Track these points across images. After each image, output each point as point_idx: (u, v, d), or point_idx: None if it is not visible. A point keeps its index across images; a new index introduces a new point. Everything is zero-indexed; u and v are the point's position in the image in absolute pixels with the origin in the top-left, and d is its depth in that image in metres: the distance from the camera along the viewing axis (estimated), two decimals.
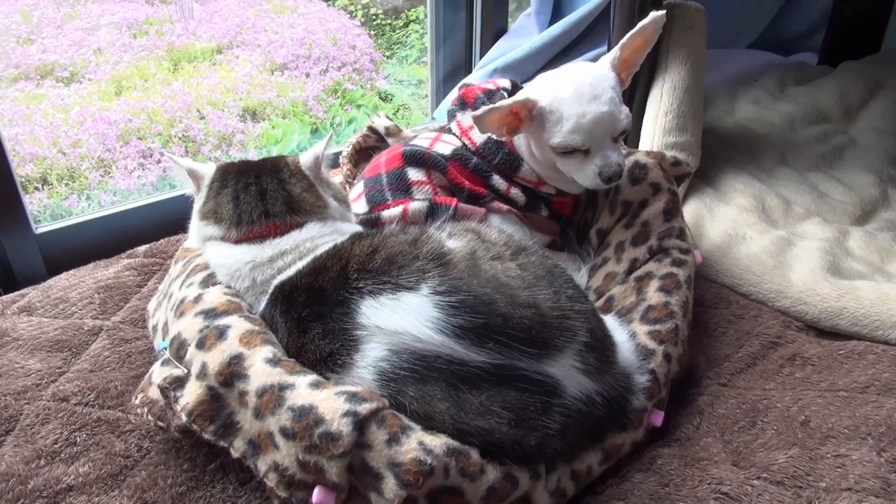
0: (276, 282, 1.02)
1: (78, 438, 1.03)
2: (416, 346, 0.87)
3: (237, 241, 1.05)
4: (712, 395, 1.15)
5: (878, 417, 1.04)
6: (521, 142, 1.28)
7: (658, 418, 1.04)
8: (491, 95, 1.34)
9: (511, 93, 1.36)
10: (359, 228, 1.13)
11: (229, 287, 1.06)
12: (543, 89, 1.20)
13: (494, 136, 1.25)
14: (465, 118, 1.33)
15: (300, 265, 1.01)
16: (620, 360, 1.00)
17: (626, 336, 1.07)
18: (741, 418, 1.09)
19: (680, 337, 1.11)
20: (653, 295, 1.16)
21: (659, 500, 0.95)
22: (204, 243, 1.10)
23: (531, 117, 1.19)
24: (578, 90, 1.16)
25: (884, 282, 1.38)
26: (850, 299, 1.30)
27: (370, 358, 0.89)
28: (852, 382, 1.13)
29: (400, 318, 0.88)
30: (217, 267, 1.08)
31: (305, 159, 1.11)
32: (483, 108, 1.15)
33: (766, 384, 1.16)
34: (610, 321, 1.07)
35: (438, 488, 0.84)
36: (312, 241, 1.05)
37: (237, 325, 0.94)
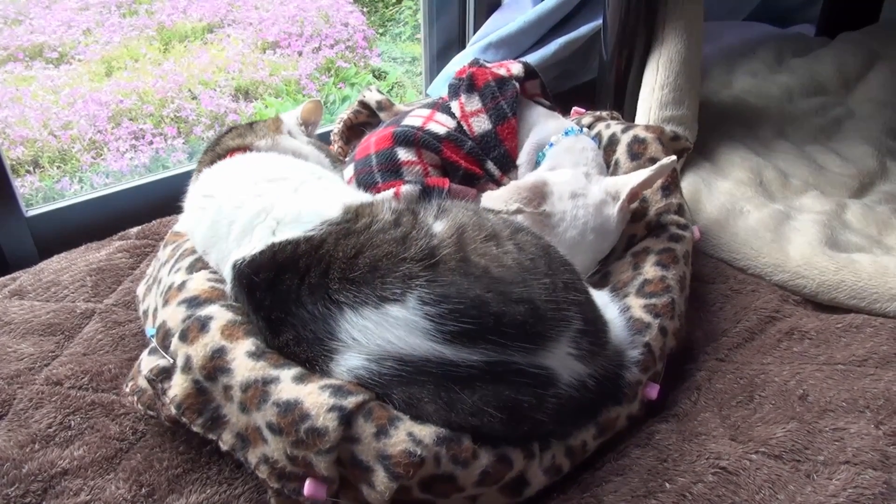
0: (233, 258, 0.98)
1: (72, 422, 1.02)
2: (402, 352, 0.84)
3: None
4: (710, 370, 1.14)
5: (876, 390, 1.04)
6: (525, 152, 1.26)
7: (653, 391, 1.04)
8: (502, 84, 1.30)
9: (523, 79, 1.33)
10: (350, 191, 1.14)
11: (214, 273, 1.04)
12: (560, 192, 1.13)
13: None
14: (471, 103, 1.30)
15: (257, 243, 0.96)
16: (612, 339, 0.99)
17: (617, 312, 1.05)
18: (739, 393, 1.08)
19: (676, 311, 1.10)
20: (649, 269, 1.15)
21: (657, 475, 0.95)
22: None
23: (542, 195, 1.13)
24: (583, 231, 1.12)
25: (882, 254, 1.38)
26: (848, 272, 1.30)
27: (346, 367, 0.86)
28: (850, 356, 1.12)
29: (385, 332, 0.85)
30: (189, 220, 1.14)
31: (284, 115, 1.21)
32: (512, 195, 1.10)
33: (764, 358, 1.16)
34: (601, 297, 1.06)
35: (431, 477, 0.83)
36: (279, 162, 1.13)
37: (219, 316, 0.93)
